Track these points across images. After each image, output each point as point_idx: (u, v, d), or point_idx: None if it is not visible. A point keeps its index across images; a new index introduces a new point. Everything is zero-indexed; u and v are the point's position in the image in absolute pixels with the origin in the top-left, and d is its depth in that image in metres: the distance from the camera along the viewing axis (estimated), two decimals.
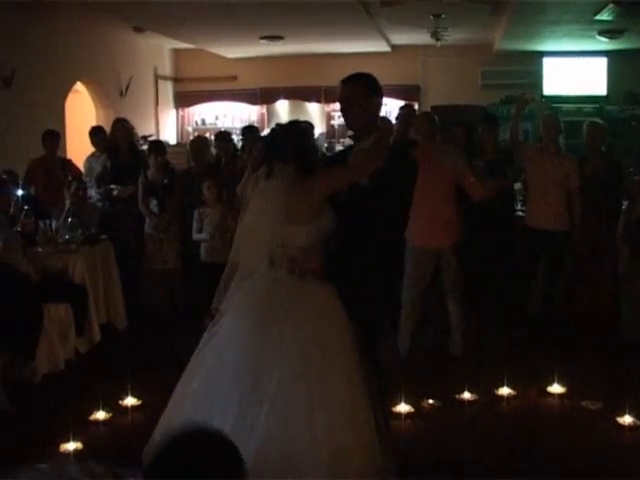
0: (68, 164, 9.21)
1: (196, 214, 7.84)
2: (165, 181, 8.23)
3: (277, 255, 4.00)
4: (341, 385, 3.79)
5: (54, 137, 8.86)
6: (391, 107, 13.49)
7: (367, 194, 3.98)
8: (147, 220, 8.27)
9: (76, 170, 9.18)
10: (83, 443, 5.00)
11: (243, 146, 8.98)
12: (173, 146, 13.44)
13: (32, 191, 8.52)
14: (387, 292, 4.16)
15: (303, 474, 3.61)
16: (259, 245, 4.03)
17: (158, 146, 8.64)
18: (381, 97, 4.17)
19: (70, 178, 8.38)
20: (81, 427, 5.23)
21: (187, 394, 4.05)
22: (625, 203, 7.60)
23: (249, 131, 9.39)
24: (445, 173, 6.37)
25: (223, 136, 9.09)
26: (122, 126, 8.75)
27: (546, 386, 5.99)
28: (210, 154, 8.99)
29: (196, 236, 7.87)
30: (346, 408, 3.76)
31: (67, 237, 7.41)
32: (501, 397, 5.88)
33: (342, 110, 4.18)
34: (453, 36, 11.91)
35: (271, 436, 3.69)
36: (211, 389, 3.91)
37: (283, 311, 3.91)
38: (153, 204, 8.20)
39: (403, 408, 5.48)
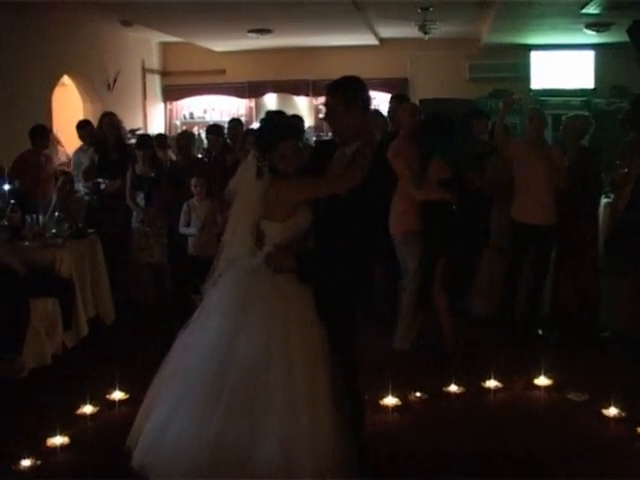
0: (49, 159, 9.22)
1: (184, 207, 7.83)
2: (152, 175, 8.21)
3: (256, 247, 4.15)
4: (302, 383, 3.86)
5: (45, 132, 8.82)
6: (379, 100, 13.48)
7: (344, 202, 3.96)
8: (134, 214, 8.26)
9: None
10: (70, 437, 5.01)
11: (232, 138, 8.97)
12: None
13: (17, 185, 8.49)
14: (361, 290, 4.18)
15: (253, 469, 3.74)
16: (242, 234, 4.16)
17: (145, 140, 8.63)
18: (363, 102, 4.08)
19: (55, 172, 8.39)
20: (68, 421, 5.24)
21: (163, 385, 4.20)
22: (612, 196, 7.66)
23: (235, 124, 9.41)
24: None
25: (214, 129, 9.08)
26: (110, 120, 8.74)
27: (532, 379, 6.03)
28: (195, 149, 8.99)
29: (184, 230, 7.86)
30: (305, 407, 3.83)
31: (54, 231, 7.38)
32: (488, 390, 5.91)
33: (324, 118, 4.22)
34: (441, 29, 11.90)
35: (225, 429, 3.82)
36: (184, 380, 4.06)
37: (253, 303, 4.03)
38: (140, 198, 8.19)
39: (390, 401, 5.49)
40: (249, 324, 3.99)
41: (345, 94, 4.02)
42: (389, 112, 8.03)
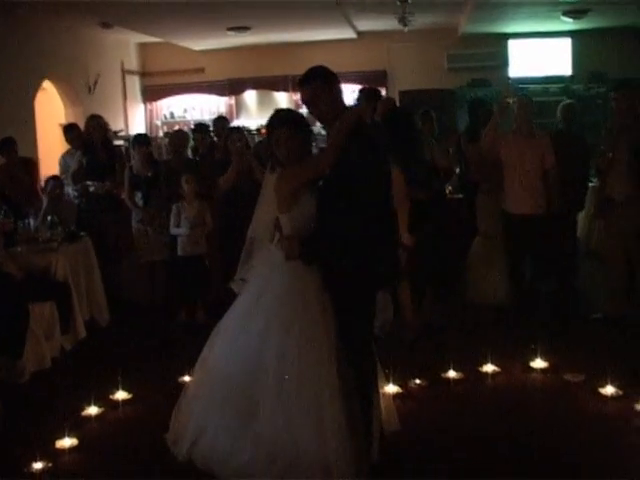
0: (30, 162, 9.19)
1: (174, 208, 7.77)
2: (149, 174, 8.24)
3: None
4: (297, 376, 4.01)
5: (10, 144, 8.66)
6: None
7: (328, 182, 4.12)
8: (133, 214, 8.29)
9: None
10: (78, 439, 5.03)
11: (218, 136, 8.99)
12: None
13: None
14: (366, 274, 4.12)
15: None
16: (267, 227, 4.35)
17: (142, 138, 8.64)
18: (339, 82, 4.23)
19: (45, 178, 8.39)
20: (75, 423, 5.26)
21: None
22: (594, 180, 7.80)
23: (221, 122, 9.45)
24: None
25: (201, 128, 9.11)
26: (97, 123, 8.73)
27: (529, 362, 6.13)
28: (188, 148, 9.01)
29: (174, 230, 7.81)
30: (309, 410, 3.97)
31: (48, 235, 7.41)
32: (486, 374, 6.00)
33: (309, 110, 4.26)
34: (419, 21, 11.95)
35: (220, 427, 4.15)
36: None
37: (262, 298, 4.24)
38: (138, 197, 8.21)
39: (391, 389, 5.55)
40: (257, 319, 4.16)
41: (323, 79, 4.16)
42: (357, 100, 7.93)
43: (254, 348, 4.10)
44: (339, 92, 4.22)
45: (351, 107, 4.42)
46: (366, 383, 4.20)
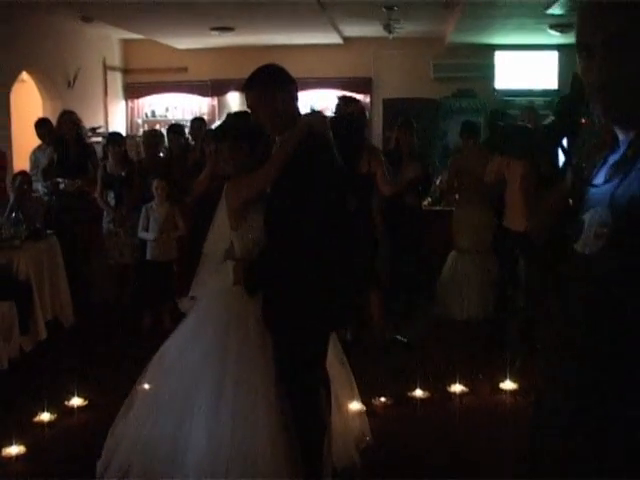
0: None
1: (143, 211, 7.53)
2: (122, 173, 8.05)
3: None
4: (232, 396, 3.81)
5: None
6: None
7: (269, 202, 3.82)
8: (105, 213, 8.13)
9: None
10: (27, 446, 4.87)
11: (195, 138, 8.85)
12: None
13: None
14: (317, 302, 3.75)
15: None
16: (220, 245, 4.10)
17: (116, 137, 8.48)
18: (289, 85, 3.80)
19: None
20: (25, 429, 5.10)
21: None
22: None
23: (199, 123, 9.31)
24: None
25: (175, 129, 8.95)
26: (69, 118, 8.58)
27: (498, 383, 6.00)
28: (163, 148, 8.86)
29: (142, 234, 7.56)
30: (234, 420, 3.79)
31: (12, 232, 7.21)
32: (453, 394, 5.86)
33: (253, 117, 3.85)
34: (405, 29, 11.86)
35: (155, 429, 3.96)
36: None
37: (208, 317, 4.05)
38: (110, 197, 8.03)
39: (355, 407, 5.40)
40: (195, 349, 4.01)
41: (266, 84, 3.74)
42: (336, 112, 7.77)
43: (188, 384, 3.91)
44: (289, 99, 3.78)
45: (304, 115, 3.90)
46: (310, 424, 3.87)
